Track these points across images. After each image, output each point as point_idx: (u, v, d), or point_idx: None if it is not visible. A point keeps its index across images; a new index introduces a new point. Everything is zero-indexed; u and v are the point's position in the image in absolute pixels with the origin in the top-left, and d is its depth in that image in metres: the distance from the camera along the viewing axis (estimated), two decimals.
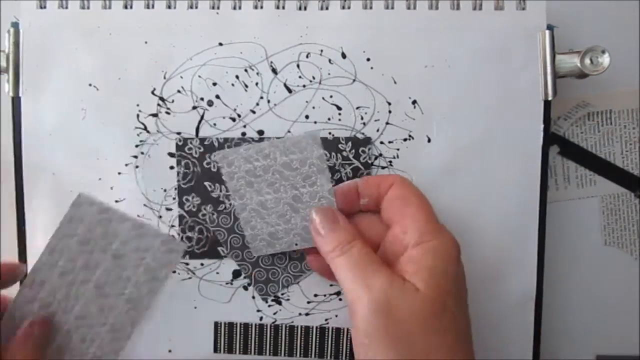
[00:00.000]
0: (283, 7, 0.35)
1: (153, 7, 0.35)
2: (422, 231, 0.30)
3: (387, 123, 0.36)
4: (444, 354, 0.27)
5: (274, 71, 0.35)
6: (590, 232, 0.39)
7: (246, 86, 0.35)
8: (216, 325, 0.36)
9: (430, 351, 0.27)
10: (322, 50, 0.35)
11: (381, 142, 0.36)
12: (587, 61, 0.35)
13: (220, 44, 0.35)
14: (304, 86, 0.36)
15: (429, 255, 0.29)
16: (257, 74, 0.35)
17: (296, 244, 0.34)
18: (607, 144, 0.39)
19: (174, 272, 0.36)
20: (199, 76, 0.35)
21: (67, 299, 0.32)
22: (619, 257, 0.39)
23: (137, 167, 0.36)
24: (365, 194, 0.32)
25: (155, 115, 0.36)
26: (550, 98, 0.35)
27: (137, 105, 0.35)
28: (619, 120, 0.39)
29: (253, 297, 0.36)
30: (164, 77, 0.35)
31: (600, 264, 0.39)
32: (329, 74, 0.35)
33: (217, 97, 0.35)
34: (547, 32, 0.35)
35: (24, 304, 0.32)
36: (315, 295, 0.36)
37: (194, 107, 0.36)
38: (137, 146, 0.35)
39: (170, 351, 0.36)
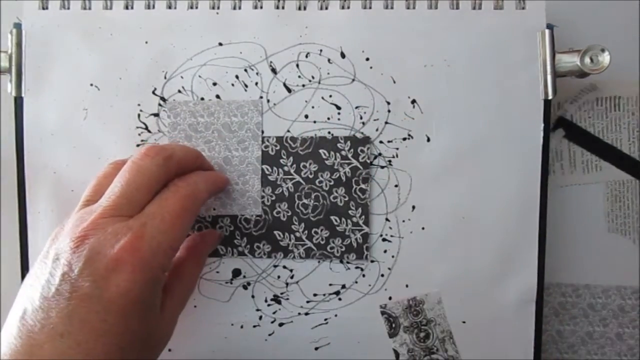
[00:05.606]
0: (283, 7, 0.36)
1: (153, 7, 0.36)
2: None
3: (386, 122, 0.36)
4: None
5: (274, 71, 0.36)
6: (594, 218, 0.39)
7: (246, 86, 0.36)
8: None
9: None
10: (321, 50, 0.36)
11: (380, 142, 0.36)
12: (587, 60, 0.34)
13: (220, 44, 0.36)
14: (303, 86, 0.36)
15: None
16: (257, 73, 0.36)
17: (214, 209, 0.35)
18: (614, 130, 0.39)
19: None
20: (199, 76, 0.36)
21: None
22: (623, 244, 0.39)
23: None
24: None
25: (156, 114, 0.36)
26: (550, 97, 0.35)
27: (138, 104, 0.36)
28: (627, 107, 0.38)
29: (252, 297, 0.36)
30: (165, 77, 0.36)
31: (604, 251, 0.39)
32: (328, 73, 0.36)
33: (217, 97, 0.36)
34: (547, 31, 0.35)
35: None
36: (315, 295, 0.36)
37: None
38: (138, 146, 0.36)
39: (170, 350, 0.36)
